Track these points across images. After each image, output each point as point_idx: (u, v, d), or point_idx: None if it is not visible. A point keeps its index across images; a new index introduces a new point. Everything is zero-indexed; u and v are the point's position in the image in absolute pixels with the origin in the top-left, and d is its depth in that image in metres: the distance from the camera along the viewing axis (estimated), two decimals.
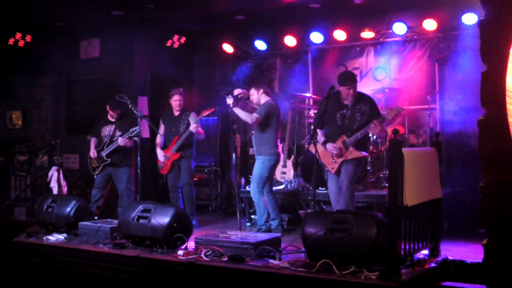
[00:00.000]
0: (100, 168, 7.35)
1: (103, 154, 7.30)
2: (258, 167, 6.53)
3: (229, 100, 6.33)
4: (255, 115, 6.46)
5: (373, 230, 4.31)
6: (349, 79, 5.78)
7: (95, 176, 7.45)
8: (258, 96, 6.72)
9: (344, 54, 9.11)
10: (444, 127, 7.97)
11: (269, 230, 6.42)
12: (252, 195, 6.56)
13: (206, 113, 6.93)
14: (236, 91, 6.68)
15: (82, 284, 5.64)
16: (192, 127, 6.90)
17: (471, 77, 7.44)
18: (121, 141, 7.11)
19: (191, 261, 4.86)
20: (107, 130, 7.43)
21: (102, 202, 7.38)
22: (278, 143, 6.67)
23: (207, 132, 9.25)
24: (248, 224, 7.46)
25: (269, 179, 6.63)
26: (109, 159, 7.29)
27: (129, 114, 7.39)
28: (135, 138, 7.11)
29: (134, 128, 6.97)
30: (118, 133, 7.29)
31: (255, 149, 6.70)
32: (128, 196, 7.28)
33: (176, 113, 7.18)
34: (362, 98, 5.87)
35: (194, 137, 7.13)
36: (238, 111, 6.46)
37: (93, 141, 7.53)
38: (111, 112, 7.38)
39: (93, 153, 7.36)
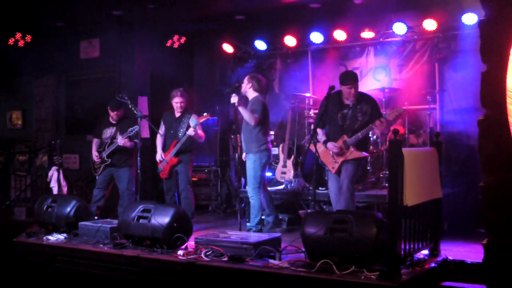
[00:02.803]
0: (101, 168, 7.35)
1: (104, 155, 7.30)
2: (250, 168, 6.49)
3: (234, 99, 6.26)
4: (255, 115, 6.41)
5: (373, 230, 4.31)
6: (351, 78, 5.79)
7: (96, 177, 7.45)
8: (245, 88, 6.64)
9: (344, 54, 9.10)
10: (444, 127, 7.96)
11: (259, 231, 6.41)
12: (249, 195, 6.54)
13: (201, 119, 6.83)
14: (233, 99, 6.62)
15: (82, 284, 5.65)
16: (190, 131, 6.78)
17: (471, 77, 7.43)
18: (120, 140, 7.11)
19: (191, 261, 4.86)
20: (109, 132, 7.42)
21: (103, 202, 7.37)
22: (268, 140, 6.62)
23: (207, 132, 9.26)
24: (248, 224, 7.45)
25: (264, 177, 6.61)
26: (110, 160, 7.29)
27: (130, 116, 7.37)
28: (136, 140, 7.08)
29: (133, 127, 6.97)
30: (119, 135, 7.28)
31: (244, 147, 6.61)
32: (128, 196, 7.27)
33: (177, 115, 7.10)
34: (363, 98, 5.88)
35: (193, 141, 7.00)
36: (242, 110, 6.38)
37: (94, 143, 7.52)
38: (110, 113, 7.37)
39: (95, 156, 7.36)
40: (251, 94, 6.64)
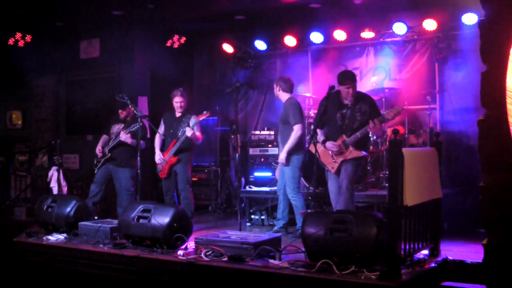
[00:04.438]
0: (101, 162, 7.35)
1: (106, 149, 7.32)
2: (289, 168, 6.39)
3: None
4: (296, 126, 6.30)
5: (373, 230, 4.30)
6: (349, 78, 5.79)
7: (95, 171, 7.44)
8: (276, 93, 6.66)
9: (344, 54, 9.11)
10: (444, 127, 7.97)
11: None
12: (290, 197, 6.43)
13: (201, 117, 6.81)
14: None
15: (82, 284, 5.64)
16: (188, 132, 6.75)
17: (471, 77, 7.46)
18: (122, 135, 7.13)
19: (191, 261, 4.85)
20: (116, 128, 7.44)
21: (99, 198, 7.32)
22: (305, 140, 6.59)
23: (207, 132, 9.28)
24: (248, 224, 7.46)
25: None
26: (110, 154, 7.30)
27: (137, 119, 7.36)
28: (141, 141, 7.06)
29: (135, 124, 6.98)
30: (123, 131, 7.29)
31: (282, 148, 6.50)
32: (127, 196, 7.26)
33: (178, 114, 7.08)
34: (362, 97, 5.88)
35: (193, 141, 6.97)
36: (291, 142, 6.30)
37: (102, 139, 7.53)
38: (120, 111, 7.41)
39: (98, 150, 7.38)
40: (283, 96, 6.61)
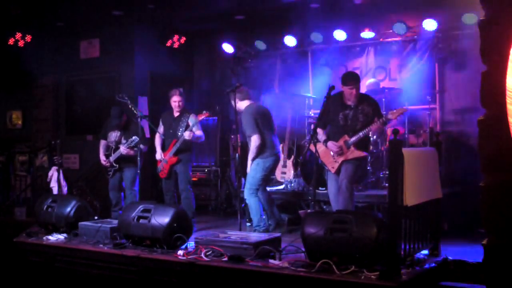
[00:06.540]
0: (111, 172, 7.34)
1: (111, 159, 7.30)
2: (252, 169, 6.46)
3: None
4: (253, 137, 6.34)
5: (373, 230, 4.31)
6: (352, 79, 5.79)
7: (109, 179, 7.43)
8: (236, 105, 6.56)
9: (344, 54, 9.09)
10: (444, 127, 7.96)
11: (266, 230, 6.41)
12: (245, 196, 6.52)
13: (201, 117, 6.80)
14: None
15: (82, 284, 5.65)
16: (187, 135, 6.73)
17: (471, 77, 7.45)
18: (123, 150, 7.11)
19: (191, 261, 4.86)
20: (114, 136, 7.40)
21: (121, 202, 7.32)
22: (276, 143, 6.59)
23: (207, 132, 9.26)
24: (248, 224, 7.44)
25: (264, 181, 6.56)
26: (117, 165, 7.28)
27: (134, 120, 7.30)
28: (141, 146, 7.03)
29: (133, 138, 6.95)
30: (123, 140, 7.25)
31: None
32: (131, 196, 7.26)
33: (176, 114, 7.07)
34: (365, 99, 5.88)
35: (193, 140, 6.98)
36: (252, 152, 6.39)
37: (101, 146, 7.49)
38: (117, 122, 7.32)
39: (103, 161, 7.36)
40: (242, 105, 6.58)
